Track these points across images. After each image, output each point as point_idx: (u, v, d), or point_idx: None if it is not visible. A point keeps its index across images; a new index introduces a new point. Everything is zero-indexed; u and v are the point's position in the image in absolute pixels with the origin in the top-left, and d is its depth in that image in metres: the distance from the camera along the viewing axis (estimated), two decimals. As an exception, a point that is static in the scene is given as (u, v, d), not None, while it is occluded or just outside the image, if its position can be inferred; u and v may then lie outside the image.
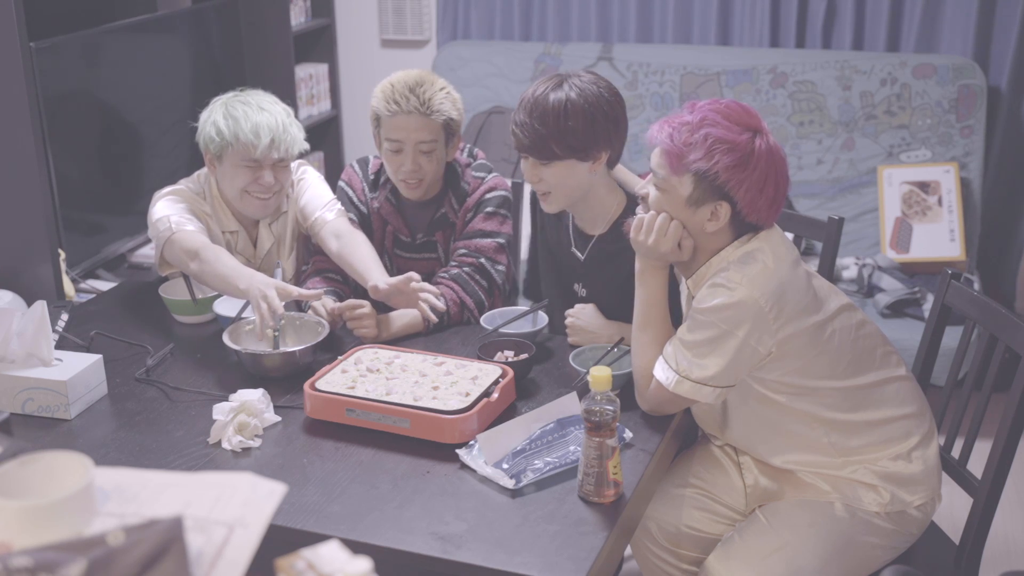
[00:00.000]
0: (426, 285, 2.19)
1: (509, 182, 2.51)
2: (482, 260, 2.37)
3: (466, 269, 2.36)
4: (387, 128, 2.32)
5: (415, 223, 2.46)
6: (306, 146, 2.39)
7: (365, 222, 2.47)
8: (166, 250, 2.31)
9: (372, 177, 2.48)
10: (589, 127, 2.03)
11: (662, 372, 1.85)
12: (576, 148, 2.04)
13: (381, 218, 2.47)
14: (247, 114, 2.29)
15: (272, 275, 2.26)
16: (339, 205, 2.44)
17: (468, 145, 2.51)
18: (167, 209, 2.33)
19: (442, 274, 2.38)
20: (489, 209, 2.39)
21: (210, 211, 2.41)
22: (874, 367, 1.90)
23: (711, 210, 1.80)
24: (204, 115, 2.36)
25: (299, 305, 2.32)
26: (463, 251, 2.39)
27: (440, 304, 2.20)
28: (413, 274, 2.18)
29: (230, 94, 2.37)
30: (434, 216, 2.44)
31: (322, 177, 2.52)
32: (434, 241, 2.46)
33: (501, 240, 2.39)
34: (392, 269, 2.48)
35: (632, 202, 2.19)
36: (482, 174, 2.44)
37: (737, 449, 2.04)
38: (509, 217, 2.44)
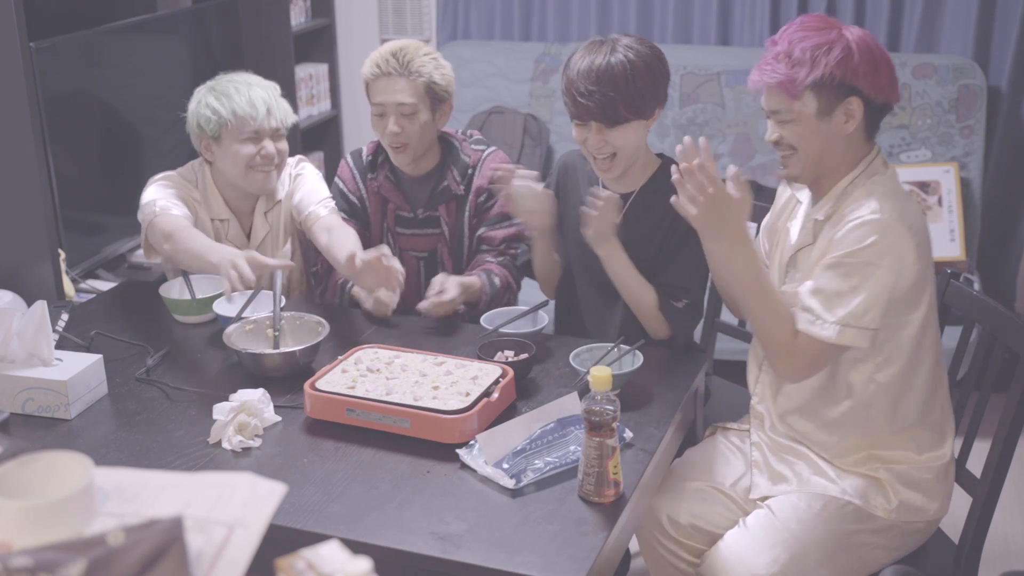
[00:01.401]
0: (395, 261, 2.18)
1: None
2: (518, 250, 2.45)
3: (506, 259, 2.44)
4: (372, 92, 2.38)
5: (416, 198, 2.48)
6: (296, 117, 2.46)
7: (358, 213, 2.50)
8: (149, 233, 2.35)
9: (369, 159, 2.50)
10: (652, 86, 2.11)
11: (816, 327, 1.82)
12: (642, 108, 2.12)
13: (381, 197, 2.49)
14: (239, 89, 2.36)
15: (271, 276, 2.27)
16: (333, 203, 2.47)
17: (465, 130, 2.55)
18: (155, 193, 2.39)
19: (489, 259, 2.43)
20: None
21: (200, 197, 2.44)
22: (939, 379, 1.95)
23: (844, 111, 1.82)
24: (192, 103, 2.41)
25: (343, 289, 2.38)
26: (503, 243, 2.44)
27: (400, 280, 2.18)
28: (383, 247, 2.21)
29: (213, 80, 2.42)
30: (435, 189, 2.45)
31: (320, 174, 2.55)
32: (437, 216, 2.47)
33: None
34: (394, 248, 2.50)
35: (666, 162, 2.23)
36: (482, 147, 2.49)
37: (748, 442, 2.05)
38: None
